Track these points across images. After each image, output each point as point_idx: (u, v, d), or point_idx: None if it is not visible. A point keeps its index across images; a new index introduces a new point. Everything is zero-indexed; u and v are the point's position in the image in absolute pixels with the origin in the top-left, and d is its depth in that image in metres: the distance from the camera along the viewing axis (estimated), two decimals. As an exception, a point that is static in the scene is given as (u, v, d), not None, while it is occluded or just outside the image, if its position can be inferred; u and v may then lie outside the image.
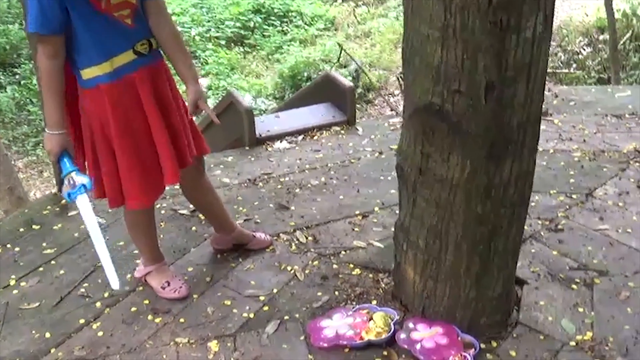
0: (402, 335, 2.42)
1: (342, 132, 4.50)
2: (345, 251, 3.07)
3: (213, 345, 2.47)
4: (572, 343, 2.42)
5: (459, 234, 2.30)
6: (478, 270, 2.36)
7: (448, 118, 2.11)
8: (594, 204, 3.35)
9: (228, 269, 2.94)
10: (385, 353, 2.41)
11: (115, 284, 2.36)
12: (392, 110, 4.39)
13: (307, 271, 2.92)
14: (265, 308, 2.68)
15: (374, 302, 2.69)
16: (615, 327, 2.50)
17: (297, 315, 2.63)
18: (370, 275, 2.89)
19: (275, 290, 2.78)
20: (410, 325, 2.47)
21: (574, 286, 2.74)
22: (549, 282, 2.77)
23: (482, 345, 2.40)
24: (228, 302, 2.70)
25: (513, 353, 2.38)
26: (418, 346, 2.36)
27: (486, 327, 2.49)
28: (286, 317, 2.62)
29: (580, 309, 2.60)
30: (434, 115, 2.14)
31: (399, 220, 2.53)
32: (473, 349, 2.37)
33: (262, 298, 2.74)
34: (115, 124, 2.38)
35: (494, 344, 2.45)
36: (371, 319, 2.53)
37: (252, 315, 2.63)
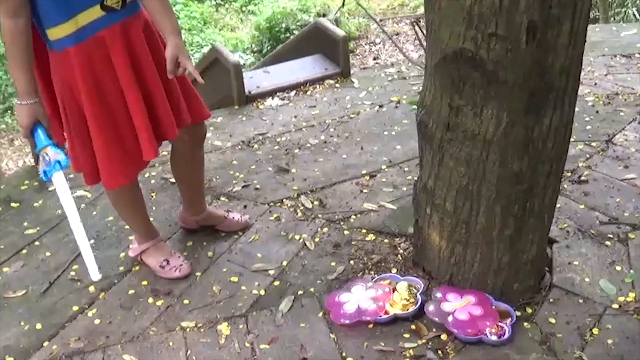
0: (431, 307, 2.23)
1: (337, 85, 4.25)
2: (355, 215, 2.87)
3: (223, 328, 2.27)
4: (615, 306, 2.26)
5: (492, 195, 2.10)
6: (512, 233, 2.17)
7: (482, 66, 1.88)
8: (616, 152, 3.17)
9: (231, 241, 2.72)
10: (413, 327, 2.23)
11: (95, 274, 2.08)
12: (404, 55, 4.08)
13: (316, 239, 2.71)
14: (276, 283, 2.47)
15: (394, 270, 2.50)
16: (659, 285, 2.35)
17: (311, 290, 2.43)
18: (386, 241, 2.69)
19: (284, 263, 2.58)
20: (439, 295, 2.29)
21: (608, 242, 2.57)
22: (579, 239, 2.60)
23: (518, 313, 2.23)
24: (235, 279, 2.49)
25: (552, 320, 2.21)
26: (450, 318, 2.17)
27: (519, 292, 2.32)
28: (300, 292, 2.42)
29: (618, 268, 2.44)
30: (465, 63, 1.91)
31: (420, 181, 2.32)
32: (509, 319, 2.19)
33: (271, 272, 2.53)
34: (85, 91, 2.11)
35: (529, 310, 2.28)
36: (394, 290, 2.34)
37: (262, 292, 2.43)
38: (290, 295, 2.40)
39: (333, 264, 2.56)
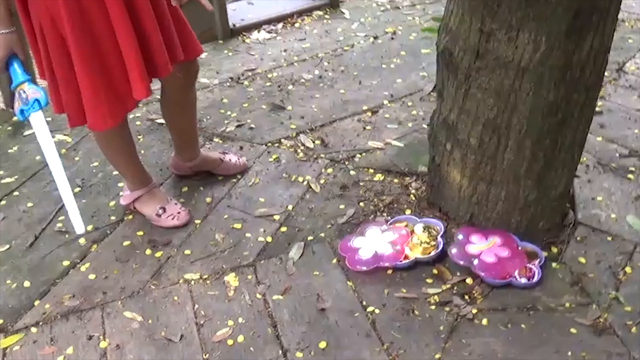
0: (455, 250, 2.10)
1: (327, 16, 4.02)
2: (360, 154, 2.70)
3: (231, 279, 2.11)
4: (645, 243, 2.16)
5: (522, 128, 1.94)
6: (541, 169, 2.03)
7: (521, -17, 1.70)
8: (629, 81, 3.04)
9: (229, 185, 2.54)
10: (435, 272, 2.10)
11: (79, 227, 1.95)
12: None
13: (321, 181, 2.55)
14: (283, 229, 2.31)
15: (408, 211, 2.36)
16: (689, 220, 2.25)
17: (322, 235, 2.28)
18: (396, 181, 2.54)
19: (290, 207, 2.41)
20: (461, 237, 2.15)
21: (630, 176, 2.45)
22: (600, 173, 2.48)
23: (544, 253, 2.12)
24: (238, 226, 2.33)
25: (582, 260, 2.10)
26: (476, 261, 2.05)
27: (544, 231, 2.20)
28: (310, 238, 2.26)
29: (644, 202, 2.33)
30: (501, -20, 1.72)
31: (439, 115, 2.15)
32: (538, 260, 2.08)
33: (276, 217, 2.36)
34: (69, 21, 1.87)
35: (555, 249, 2.17)
36: (412, 232, 2.21)
37: (269, 239, 2.27)
38: (299, 241, 2.25)
39: (342, 206, 2.41)
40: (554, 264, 2.09)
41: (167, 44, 2.05)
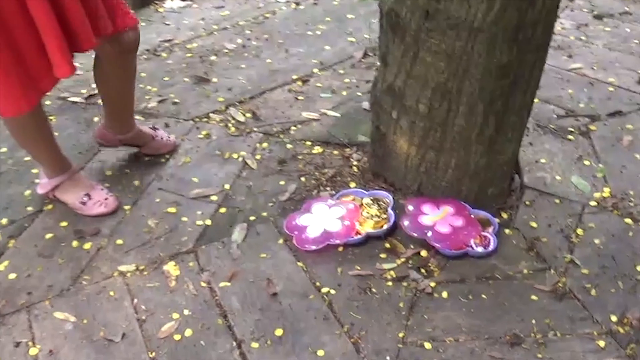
0: (407, 222, 2.02)
1: (243, -18, 3.82)
2: (295, 126, 2.57)
3: (171, 268, 1.95)
4: (593, 203, 2.16)
5: (474, 91, 1.87)
6: (492, 133, 1.97)
7: (475, -63, 1.61)
8: (556, 41, 3.04)
9: (158, 166, 2.35)
10: (388, 245, 2.02)
11: None
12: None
13: (257, 157, 2.41)
14: (222, 210, 2.16)
15: (352, 184, 2.26)
16: (631, 178, 2.26)
17: (264, 214, 2.15)
18: (336, 152, 2.43)
19: (227, 186, 2.26)
20: (411, 208, 2.08)
21: (570, 137, 2.46)
22: (541, 135, 2.47)
23: (497, 220, 2.08)
24: (172, 210, 2.16)
25: (533, 224, 2.08)
26: (430, 233, 1.98)
27: (493, 197, 2.16)
28: (252, 218, 2.13)
29: (586, 162, 2.33)
30: None
31: (383, 82, 2.05)
32: (492, 227, 2.03)
33: (214, 198, 2.21)
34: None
35: (505, 215, 2.14)
36: (361, 206, 2.11)
37: (208, 222, 2.11)
38: (241, 222, 2.11)
39: (282, 182, 2.28)
40: (506, 230, 2.06)
41: (90, 15, 1.83)
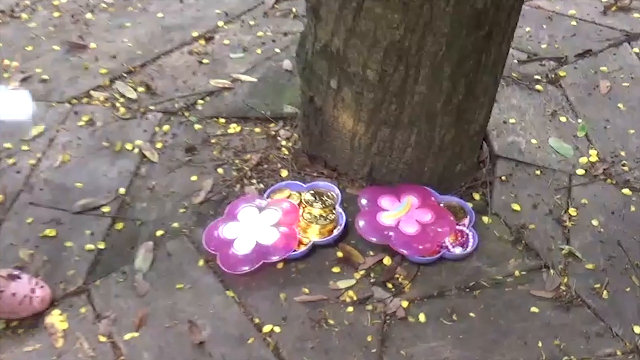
0: (362, 222, 1.60)
1: None
2: (203, 99, 2.07)
3: (55, 319, 1.46)
4: (580, 171, 1.80)
5: (440, 50, 1.44)
6: (461, 100, 1.55)
7: None
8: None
9: (26, 170, 1.81)
10: (341, 254, 1.59)
11: None
12: None
13: (158, 145, 1.91)
14: (119, 225, 1.67)
15: (284, 173, 1.81)
16: (619, 134, 1.91)
17: (175, 225, 1.67)
18: (258, 130, 1.96)
19: (122, 190, 1.76)
20: (364, 201, 1.66)
21: (539, 87, 2.08)
22: (504, 87, 2.07)
23: (470, 205, 1.69)
24: (51, 232, 1.64)
25: (516, 207, 1.70)
26: (393, 235, 1.56)
27: (461, 175, 1.77)
28: (160, 233, 1.65)
29: (562, 119, 1.97)
30: None
31: (316, 41, 1.58)
32: (467, 218, 1.64)
33: (106, 209, 1.71)
34: None
35: (477, 196, 1.75)
36: (300, 205, 1.67)
37: (102, 245, 1.62)
38: (145, 240, 1.63)
39: (194, 178, 1.80)
40: (485, 219, 1.67)
41: None
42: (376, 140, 1.65)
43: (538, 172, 1.79)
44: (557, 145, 1.86)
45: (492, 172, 1.80)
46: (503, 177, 1.78)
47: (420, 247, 1.54)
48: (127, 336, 1.43)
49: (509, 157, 1.84)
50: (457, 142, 1.66)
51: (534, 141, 1.88)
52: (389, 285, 1.53)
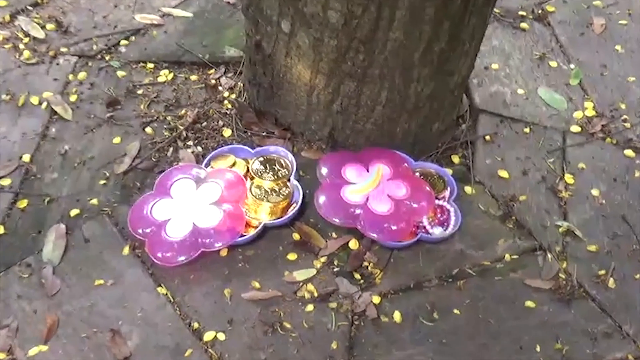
0: (323, 198, 1.33)
1: None
2: (127, 39, 1.74)
3: (-60, 330, 1.18)
4: (575, 128, 1.56)
5: (422, -14, 1.15)
6: (444, 47, 1.28)
7: None
8: None
9: None
10: (297, 237, 1.33)
11: None
12: None
13: (72, 98, 1.58)
14: (22, 203, 1.36)
15: (227, 132, 1.52)
16: (618, 83, 1.67)
17: (93, 202, 1.38)
18: (194, 78, 1.66)
19: (26, 157, 1.44)
20: (325, 171, 1.38)
21: (524, 24, 1.81)
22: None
23: (449, 171, 1.43)
24: None
25: (504, 173, 1.46)
26: (359, 212, 1.30)
27: (438, 135, 1.51)
28: (74, 212, 1.35)
29: (553, 63, 1.71)
30: None
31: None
32: (447, 190, 1.39)
33: (5, 182, 1.40)
34: None
35: (457, 160, 1.50)
36: (247, 175, 1.39)
37: (0, 230, 1.32)
38: (56, 222, 1.33)
39: (116, 140, 1.50)
40: (467, 189, 1.43)
41: None
42: (339, 96, 1.37)
43: (527, 129, 1.55)
44: (547, 97, 1.61)
45: (473, 130, 1.55)
46: (487, 137, 1.52)
47: (394, 227, 1.29)
48: (33, 351, 1.15)
49: (492, 111, 1.58)
50: (435, 98, 1.39)
51: (520, 91, 1.63)
52: (357, 276, 1.28)
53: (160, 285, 1.25)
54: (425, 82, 1.34)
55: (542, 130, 1.55)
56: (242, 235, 1.29)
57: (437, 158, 1.49)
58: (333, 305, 1.24)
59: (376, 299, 1.24)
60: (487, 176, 1.45)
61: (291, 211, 1.32)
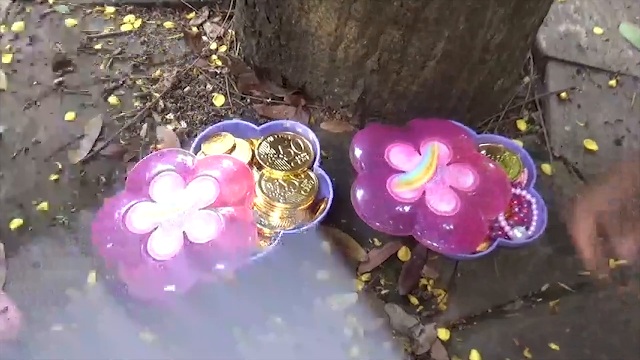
0: (361, 193, 0.97)
1: None
2: (76, -26, 1.34)
3: None
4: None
5: None
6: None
7: None
8: None
9: None
10: (326, 247, 0.99)
11: None
12: None
13: (6, 59, 1.19)
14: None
15: (219, 101, 1.15)
16: None
17: (42, 209, 1.01)
18: (170, 26, 1.27)
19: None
20: (360, 153, 1.02)
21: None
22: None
23: (519, 143, 1.09)
24: None
25: (591, 145, 1.11)
26: (414, 211, 0.95)
27: (501, 94, 1.15)
28: (17, 224, 0.99)
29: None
30: None
31: None
32: (524, 173, 1.04)
33: None
34: None
35: (523, 127, 1.15)
36: (252, 162, 1.03)
37: None
38: (-8, 240, 0.98)
39: (70, 115, 1.12)
40: (544, 167, 1.09)
41: None
42: (377, 50, 1.00)
43: (612, 81, 1.20)
44: (633, 36, 1.26)
45: (541, 85, 1.20)
46: (562, 94, 1.17)
47: (463, 233, 0.94)
48: None
49: (564, 58, 1.22)
50: (505, 47, 1.03)
51: (598, 30, 1.27)
52: (413, 300, 0.95)
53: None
54: (497, 27, 0.97)
55: (631, 81, 1.20)
56: (252, 257, 0.94)
57: (498, 126, 1.14)
58: (386, 345, 0.91)
59: (444, 334, 0.92)
60: (569, 148, 1.11)
61: (320, 214, 0.97)
